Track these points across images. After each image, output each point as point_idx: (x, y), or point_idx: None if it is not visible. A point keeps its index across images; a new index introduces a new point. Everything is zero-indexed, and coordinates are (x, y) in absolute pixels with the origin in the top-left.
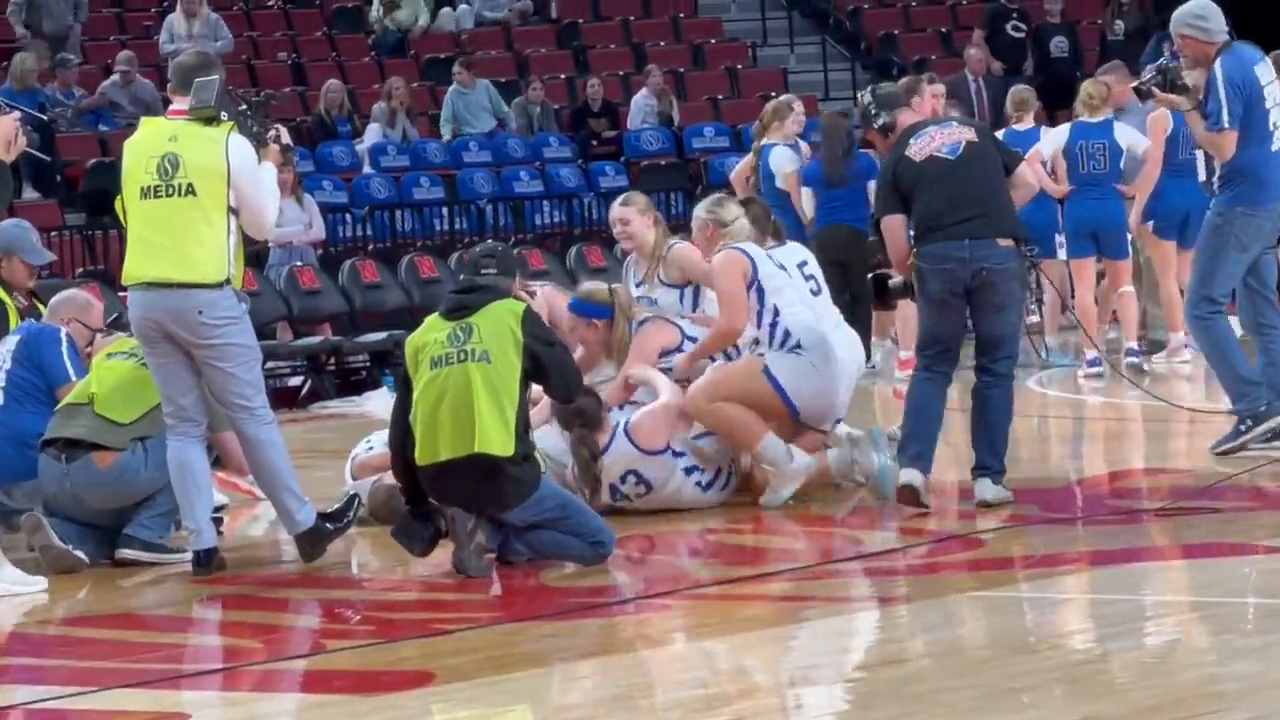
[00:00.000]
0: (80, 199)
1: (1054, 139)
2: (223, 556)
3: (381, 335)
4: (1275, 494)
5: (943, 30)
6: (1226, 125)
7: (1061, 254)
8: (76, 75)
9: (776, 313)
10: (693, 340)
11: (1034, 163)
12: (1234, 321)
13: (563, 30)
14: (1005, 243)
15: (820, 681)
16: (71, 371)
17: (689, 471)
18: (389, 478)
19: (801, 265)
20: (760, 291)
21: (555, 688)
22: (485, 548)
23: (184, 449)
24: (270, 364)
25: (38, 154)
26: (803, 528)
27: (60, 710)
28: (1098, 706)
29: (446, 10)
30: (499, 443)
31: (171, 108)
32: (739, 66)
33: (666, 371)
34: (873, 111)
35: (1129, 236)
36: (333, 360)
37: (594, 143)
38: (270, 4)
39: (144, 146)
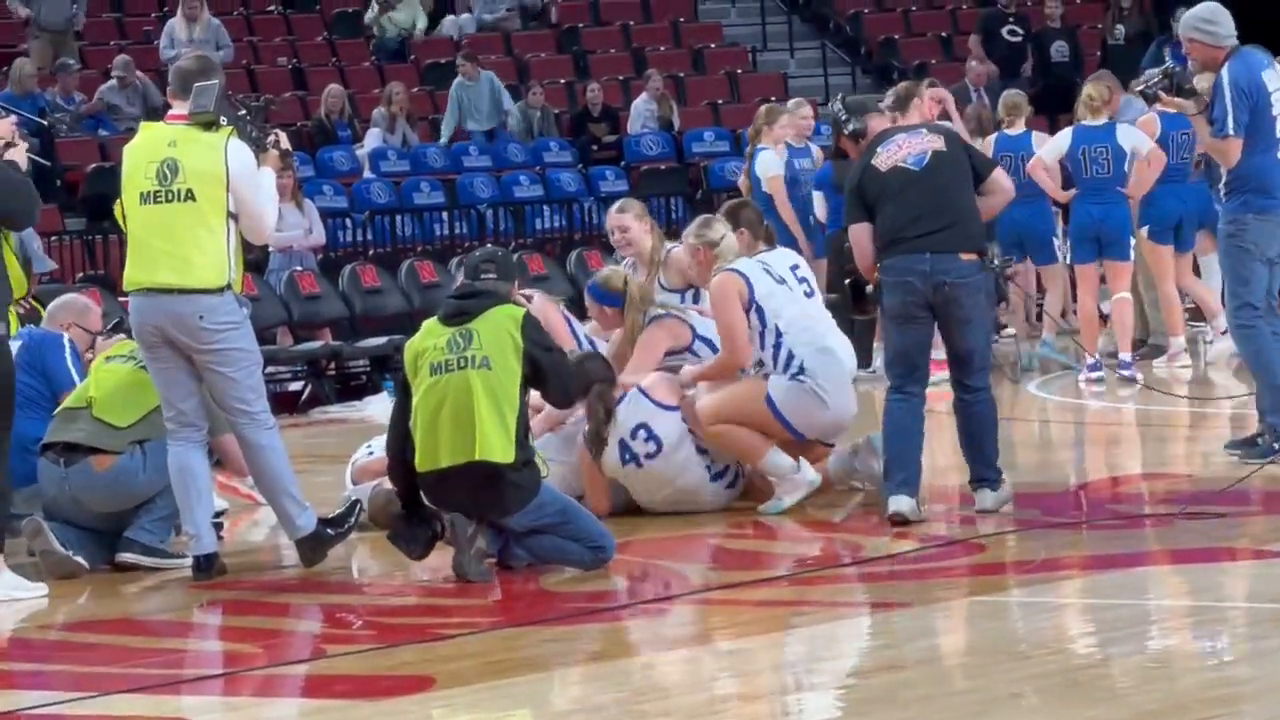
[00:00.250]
0: (80, 204)
1: (1057, 144)
2: (223, 562)
3: (382, 340)
4: (1275, 498)
5: (943, 35)
6: (1231, 132)
7: (1061, 258)
8: (77, 80)
9: (779, 334)
10: (704, 340)
11: (1037, 169)
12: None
13: (563, 35)
14: (968, 256)
15: (820, 686)
16: (75, 377)
17: (701, 451)
18: (389, 482)
19: (794, 269)
20: (760, 312)
21: (555, 693)
22: (485, 552)
23: (185, 454)
24: (270, 369)
25: (38, 159)
26: (802, 532)
27: (61, 715)
28: (1098, 711)
29: (450, 18)
30: (500, 449)
31: (171, 113)
32: (739, 71)
33: (674, 370)
34: (842, 118)
35: (1132, 241)
36: (333, 365)
37: (594, 147)
38: (270, 9)
39: (143, 151)
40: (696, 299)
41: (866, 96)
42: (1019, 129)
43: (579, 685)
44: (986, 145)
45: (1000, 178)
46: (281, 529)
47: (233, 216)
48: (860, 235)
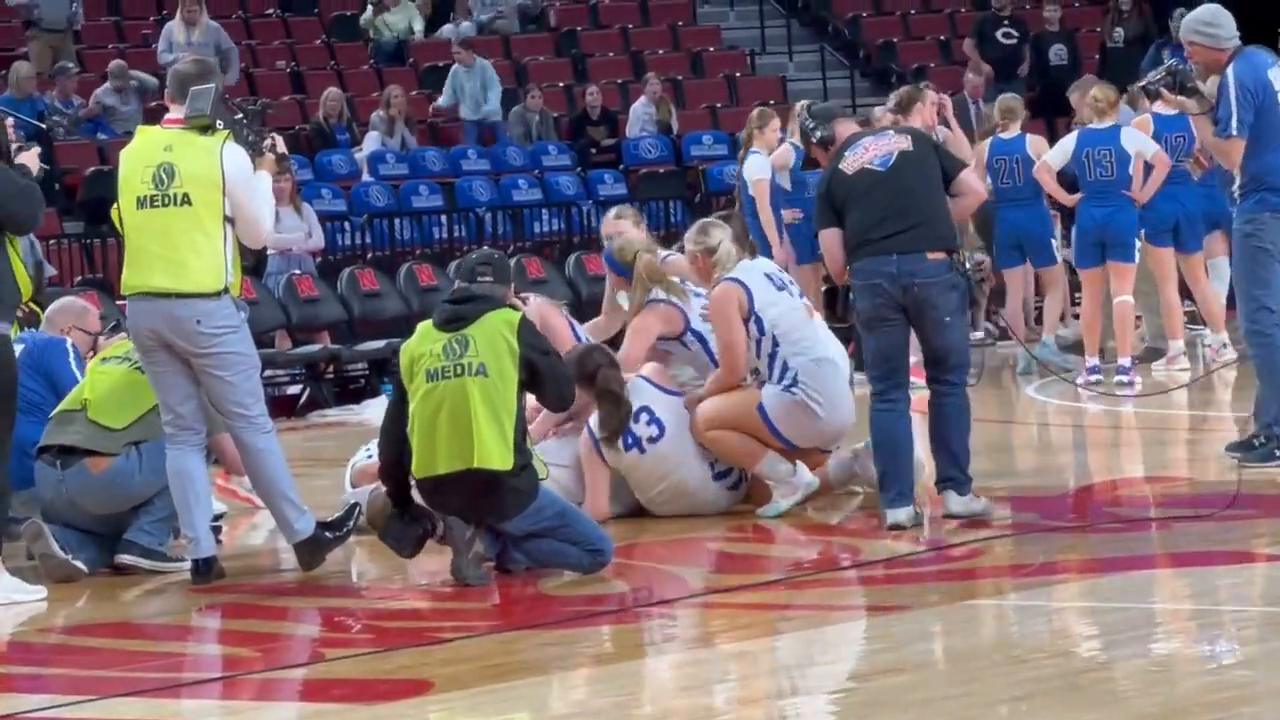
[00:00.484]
0: (79, 208)
1: (1063, 148)
2: (221, 565)
3: (380, 343)
4: (1275, 501)
5: (941, 38)
6: (1235, 133)
7: (1061, 259)
8: (75, 84)
9: (775, 343)
10: (696, 335)
11: (1043, 173)
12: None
13: (561, 38)
14: (936, 255)
15: (819, 690)
16: (80, 381)
17: (704, 449)
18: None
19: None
20: (759, 321)
21: (553, 696)
22: (483, 556)
23: (183, 458)
24: (269, 372)
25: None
26: (801, 536)
27: (60, 719)
28: (1097, 715)
29: (448, 26)
30: (498, 457)
31: (167, 116)
32: (738, 75)
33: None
34: (810, 126)
35: (1137, 244)
36: (331, 368)
37: (593, 151)
38: (269, 12)
39: (139, 156)
40: None
41: (832, 103)
42: (1014, 132)
43: (577, 689)
44: (981, 149)
45: (969, 178)
46: (280, 533)
47: (229, 220)
48: (829, 240)
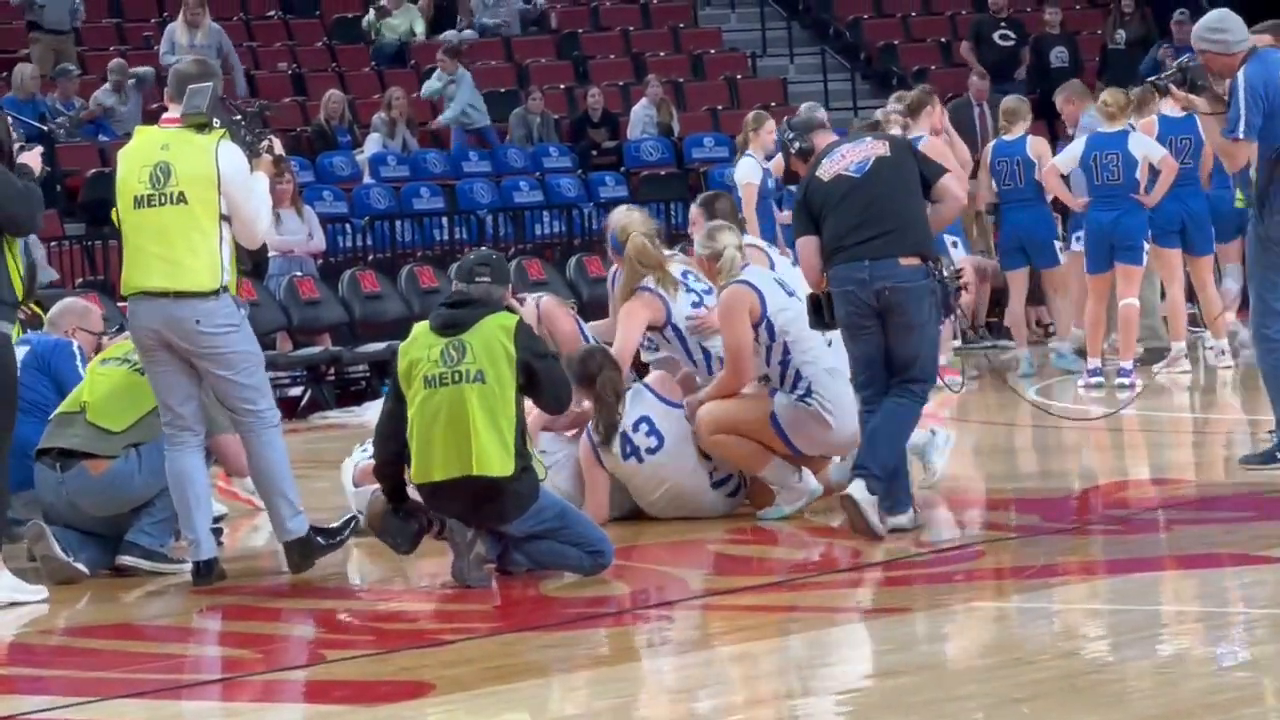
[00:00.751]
0: (80, 209)
1: (1071, 151)
2: (222, 567)
3: (381, 346)
4: (1275, 504)
5: (942, 40)
6: (1242, 135)
7: (1062, 260)
8: (76, 85)
9: (787, 351)
10: (675, 330)
11: (1051, 176)
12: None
13: (562, 40)
14: (909, 261)
15: (821, 692)
16: None
17: (704, 457)
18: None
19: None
20: (770, 327)
21: (555, 698)
22: (484, 558)
23: (183, 459)
24: (270, 374)
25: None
26: (802, 538)
27: None
28: (1100, 717)
29: (450, 32)
30: (498, 463)
31: (165, 116)
32: (739, 77)
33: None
34: (789, 138)
35: (1146, 247)
36: (332, 370)
37: (594, 153)
38: (270, 14)
39: (137, 155)
40: None
41: (811, 115)
42: (1017, 134)
43: (578, 691)
44: (984, 151)
45: (949, 184)
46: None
47: (225, 219)
48: (806, 248)
